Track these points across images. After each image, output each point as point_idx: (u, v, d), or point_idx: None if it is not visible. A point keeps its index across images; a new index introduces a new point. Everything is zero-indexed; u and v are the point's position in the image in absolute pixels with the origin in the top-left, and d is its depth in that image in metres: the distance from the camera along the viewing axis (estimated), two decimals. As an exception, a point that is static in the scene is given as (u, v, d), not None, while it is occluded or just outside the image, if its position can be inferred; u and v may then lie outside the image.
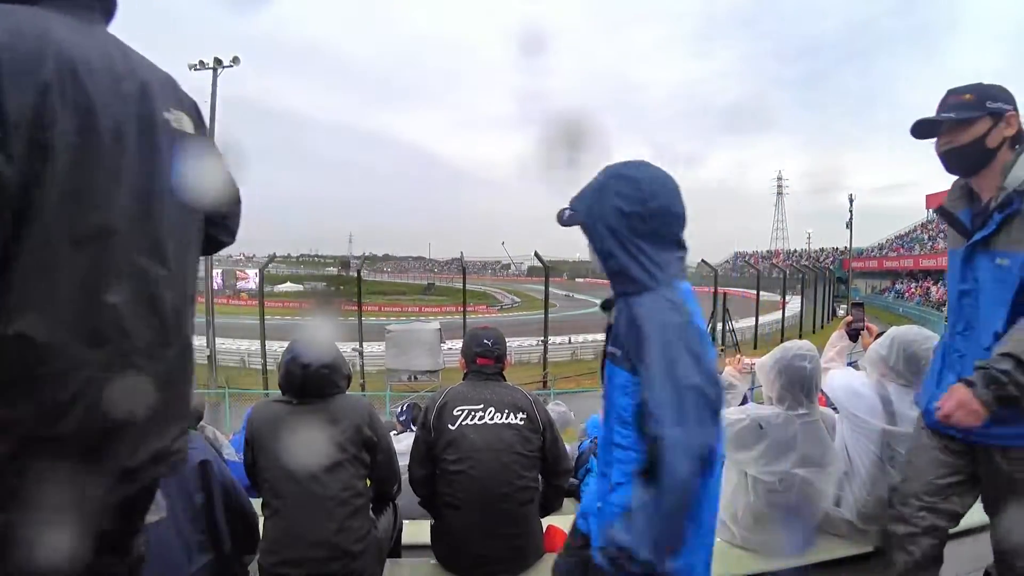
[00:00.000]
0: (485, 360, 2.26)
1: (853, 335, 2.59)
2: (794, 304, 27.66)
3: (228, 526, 1.83)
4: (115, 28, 1.07)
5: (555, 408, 5.01)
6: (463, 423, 2.10)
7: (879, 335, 2.52)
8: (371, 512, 2.02)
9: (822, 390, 2.41)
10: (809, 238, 68.98)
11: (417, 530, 2.46)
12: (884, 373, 2.38)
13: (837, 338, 2.63)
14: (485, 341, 2.27)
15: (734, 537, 2.32)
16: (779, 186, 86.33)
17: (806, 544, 2.30)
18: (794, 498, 2.16)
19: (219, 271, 47.27)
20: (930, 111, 1.74)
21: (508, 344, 2.39)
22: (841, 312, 33.43)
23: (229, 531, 1.83)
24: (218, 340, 18.02)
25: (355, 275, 19.65)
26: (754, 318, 24.09)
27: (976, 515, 2.61)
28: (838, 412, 2.46)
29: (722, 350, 20.50)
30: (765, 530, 2.23)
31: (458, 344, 2.50)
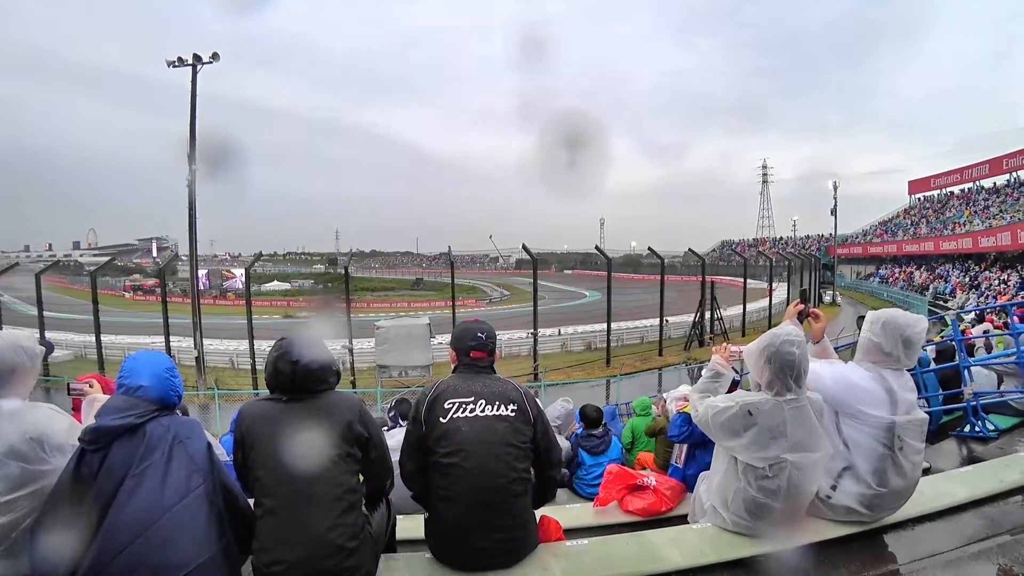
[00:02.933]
0: (479, 353, 2.25)
1: (801, 319, 2.64)
2: (781, 291, 27.92)
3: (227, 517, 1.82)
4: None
5: (564, 405, 5.01)
6: (455, 416, 2.10)
7: (862, 319, 2.55)
8: (364, 508, 2.01)
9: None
10: (795, 225, 69.44)
11: (411, 525, 2.46)
12: (879, 360, 2.39)
13: (789, 325, 2.62)
14: (480, 335, 2.26)
15: (725, 522, 2.34)
16: (764, 175, 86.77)
17: (796, 528, 2.33)
18: (784, 483, 2.18)
19: (204, 271, 46.82)
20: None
21: (498, 337, 2.39)
22: (827, 299, 33.84)
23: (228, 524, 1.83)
24: (206, 341, 17.85)
25: (343, 272, 19.50)
26: (742, 306, 24.29)
27: (962, 492, 2.68)
28: (835, 408, 2.42)
29: (711, 338, 20.68)
30: (756, 515, 2.26)
31: (448, 339, 2.49)
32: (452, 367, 2.31)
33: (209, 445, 1.85)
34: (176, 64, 17.14)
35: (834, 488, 2.37)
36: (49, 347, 2.50)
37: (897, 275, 37.28)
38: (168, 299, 19.18)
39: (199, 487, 1.75)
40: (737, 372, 2.79)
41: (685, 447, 3.50)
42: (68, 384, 2.48)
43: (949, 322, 6.91)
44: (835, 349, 2.73)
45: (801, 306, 2.67)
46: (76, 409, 2.48)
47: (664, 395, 5.12)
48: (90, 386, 2.38)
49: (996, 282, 25.54)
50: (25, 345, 2.01)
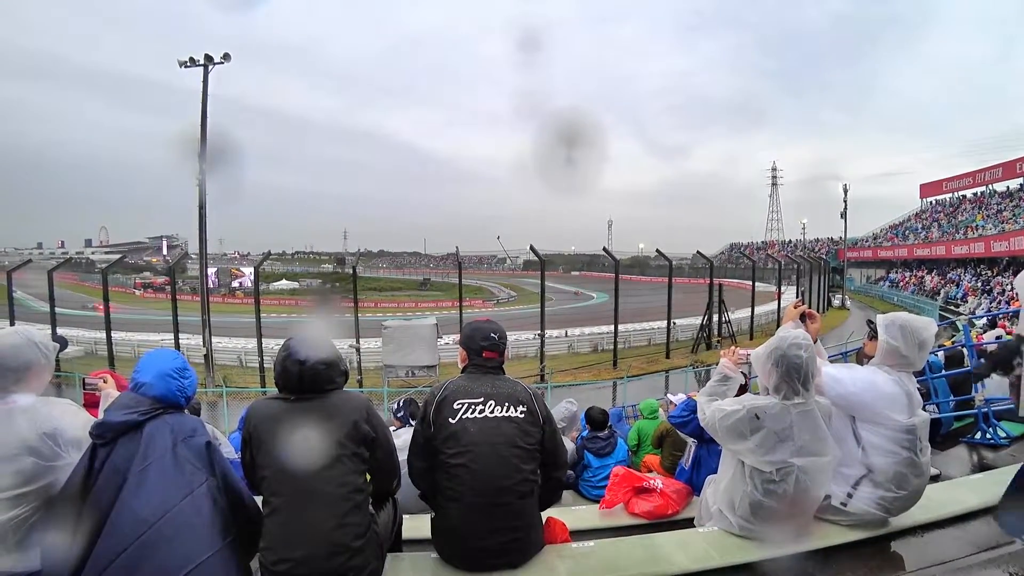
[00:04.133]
0: (491, 353, 2.25)
1: (802, 320, 2.64)
2: (790, 294, 27.73)
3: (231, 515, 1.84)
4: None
5: (568, 407, 5.00)
6: (463, 416, 2.10)
7: (871, 323, 2.54)
8: (370, 507, 2.02)
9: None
10: (804, 228, 68.98)
11: (417, 525, 2.47)
12: (896, 363, 2.39)
13: (795, 327, 2.60)
14: (492, 335, 2.26)
15: (732, 526, 2.33)
16: (773, 177, 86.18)
17: (804, 532, 2.32)
18: (791, 487, 2.17)
19: (214, 270, 47.14)
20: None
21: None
22: (836, 302, 33.59)
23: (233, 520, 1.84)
24: (214, 339, 17.98)
25: (351, 271, 19.58)
26: (750, 309, 24.16)
27: (973, 499, 2.65)
28: (856, 413, 2.41)
29: (719, 341, 20.57)
30: (763, 519, 2.24)
31: (455, 339, 2.49)
32: (461, 367, 2.31)
33: (211, 443, 1.86)
34: (188, 64, 17.27)
35: (850, 496, 2.36)
36: (63, 343, 2.53)
37: (908, 279, 36.96)
38: (177, 297, 19.31)
39: (202, 485, 1.77)
40: (745, 376, 2.77)
41: (693, 449, 3.49)
42: (83, 379, 2.51)
43: (961, 327, 6.84)
44: (843, 354, 2.73)
45: (802, 306, 2.67)
46: (87, 404, 2.51)
47: (670, 396, 5.11)
48: (104, 382, 2.41)
49: (1008, 287, 25.25)
50: (39, 341, 2.03)
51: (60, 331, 17.50)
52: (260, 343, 16.87)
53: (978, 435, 4.17)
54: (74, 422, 1.94)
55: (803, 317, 2.63)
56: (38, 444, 1.85)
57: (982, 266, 30.55)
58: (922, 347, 2.36)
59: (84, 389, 2.52)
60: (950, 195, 43.38)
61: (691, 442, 3.55)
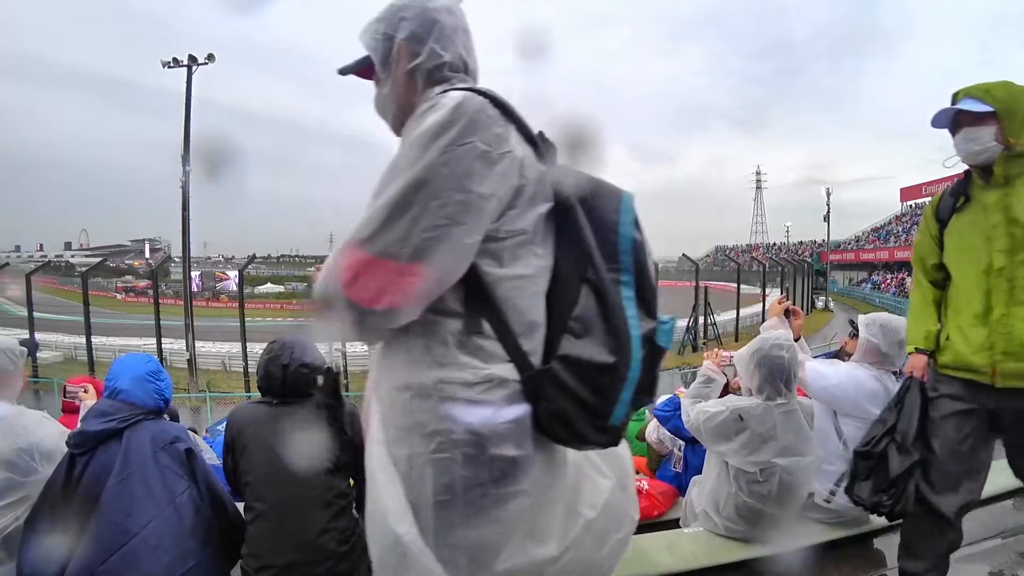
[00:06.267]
0: None
1: (786, 316, 2.66)
2: (774, 297, 28.02)
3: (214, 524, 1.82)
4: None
5: None
6: None
7: (853, 323, 2.57)
8: (355, 512, 2.00)
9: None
10: (788, 232, 69.68)
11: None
12: (875, 361, 2.43)
13: (779, 323, 2.63)
14: None
15: (717, 527, 2.35)
16: (757, 181, 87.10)
17: (788, 531, 2.34)
18: (775, 487, 2.19)
19: (198, 273, 46.59)
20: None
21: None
22: (819, 304, 34.03)
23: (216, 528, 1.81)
24: (198, 343, 17.75)
25: (337, 275, 19.44)
26: (735, 311, 24.38)
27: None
28: (839, 408, 2.45)
29: (705, 343, 20.74)
30: (748, 519, 2.26)
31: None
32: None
33: (193, 450, 1.84)
34: (171, 65, 17.05)
35: (833, 493, 2.39)
36: (33, 346, 2.49)
37: (889, 281, 37.52)
38: (160, 301, 19.03)
39: (184, 493, 1.75)
40: (728, 377, 2.80)
41: (684, 455, 3.49)
42: (64, 386, 2.47)
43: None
44: (825, 355, 2.75)
45: (786, 302, 2.70)
46: (67, 411, 2.47)
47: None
48: (84, 391, 2.35)
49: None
50: (5, 348, 1.98)
51: (39, 336, 17.17)
52: (245, 347, 16.68)
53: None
54: (49, 435, 1.90)
55: (787, 313, 2.66)
56: (14, 459, 1.80)
57: (961, 268, 31.07)
58: (901, 345, 2.39)
59: (64, 396, 2.48)
60: (929, 198, 44.18)
61: (677, 446, 3.55)
